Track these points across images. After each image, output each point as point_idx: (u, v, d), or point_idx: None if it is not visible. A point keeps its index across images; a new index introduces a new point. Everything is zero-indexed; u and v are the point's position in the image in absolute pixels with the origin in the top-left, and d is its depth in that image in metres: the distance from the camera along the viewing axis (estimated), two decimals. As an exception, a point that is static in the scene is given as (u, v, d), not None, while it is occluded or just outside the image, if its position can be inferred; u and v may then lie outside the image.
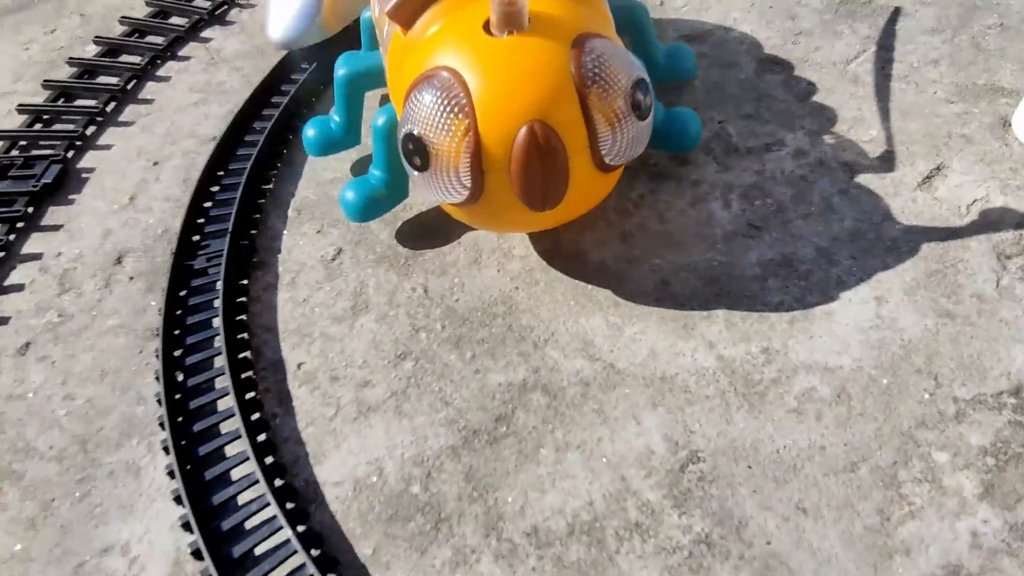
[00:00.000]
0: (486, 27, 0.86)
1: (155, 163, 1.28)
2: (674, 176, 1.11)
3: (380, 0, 0.98)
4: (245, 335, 1.01)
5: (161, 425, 0.92)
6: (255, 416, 0.92)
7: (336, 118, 1.14)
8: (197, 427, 0.91)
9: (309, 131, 1.15)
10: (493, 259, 1.05)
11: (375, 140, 1.02)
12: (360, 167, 1.21)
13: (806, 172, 1.10)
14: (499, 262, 1.05)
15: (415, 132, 0.84)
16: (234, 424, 0.91)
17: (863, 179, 1.08)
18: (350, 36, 1.30)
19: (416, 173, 0.86)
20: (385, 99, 1.26)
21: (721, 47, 1.30)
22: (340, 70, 1.10)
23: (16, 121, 1.39)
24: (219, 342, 0.99)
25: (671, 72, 1.18)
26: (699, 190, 1.10)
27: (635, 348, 0.94)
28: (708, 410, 0.87)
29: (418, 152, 0.84)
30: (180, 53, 1.50)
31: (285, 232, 1.14)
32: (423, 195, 1.09)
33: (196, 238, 1.13)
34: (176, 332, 1.01)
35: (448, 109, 0.82)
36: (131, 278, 1.11)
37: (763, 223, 1.05)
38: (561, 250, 1.05)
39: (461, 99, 0.82)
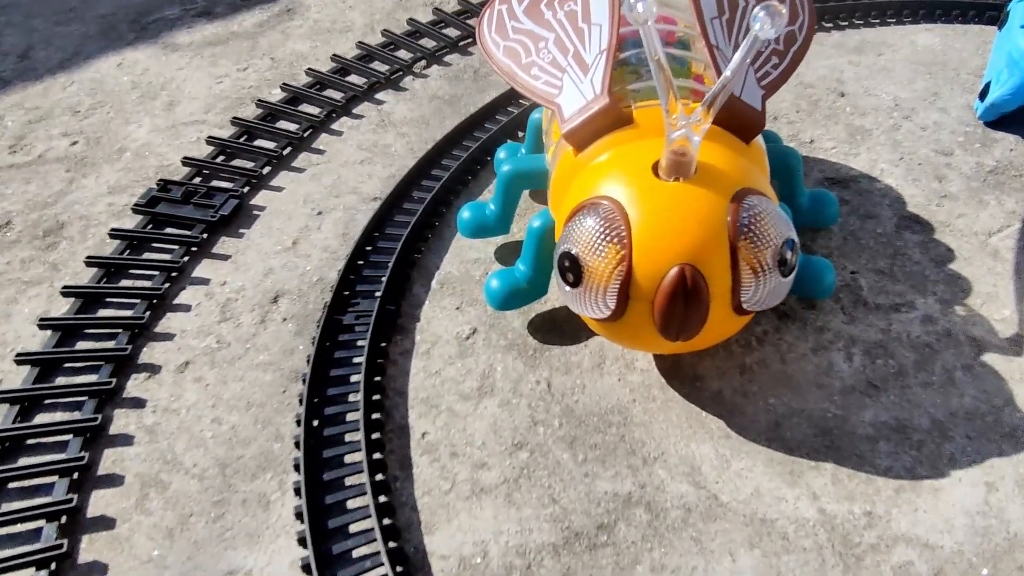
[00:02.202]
0: (654, 168, 0.94)
1: (319, 212, 1.40)
2: (800, 319, 1.16)
3: (553, 112, 1.07)
4: (379, 396, 1.10)
5: (296, 468, 1.01)
6: (379, 476, 1.00)
7: (492, 207, 1.23)
8: (327, 476, 1.00)
9: (464, 213, 1.25)
10: (616, 367, 1.12)
11: (527, 240, 1.11)
12: (502, 252, 1.30)
13: (932, 340, 1.12)
14: (621, 372, 1.11)
15: (573, 252, 0.91)
16: (359, 479, 1.00)
17: (989, 358, 1.09)
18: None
19: (567, 288, 0.94)
20: (537, 196, 1.35)
21: (864, 196, 1.35)
22: (505, 167, 1.19)
23: (203, 150, 1.55)
24: (356, 397, 1.08)
25: (813, 218, 1.23)
26: (823, 337, 1.13)
27: (740, 484, 0.98)
28: (803, 562, 0.91)
29: (572, 271, 0.92)
30: (355, 111, 1.64)
31: (427, 303, 1.23)
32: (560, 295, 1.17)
33: (346, 293, 1.23)
34: (319, 381, 1.11)
35: (608, 238, 0.90)
36: (284, 319, 1.22)
37: (882, 384, 1.07)
38: (680, 372, 1.11)
39: (622, 231, 0.89)
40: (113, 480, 1.04)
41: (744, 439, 1.03)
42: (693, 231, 0.89)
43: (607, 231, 0.90)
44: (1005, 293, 1.17)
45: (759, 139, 1.05)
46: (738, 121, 0.99)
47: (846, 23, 1.78)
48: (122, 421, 1.10)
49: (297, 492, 0.99)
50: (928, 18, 1.77)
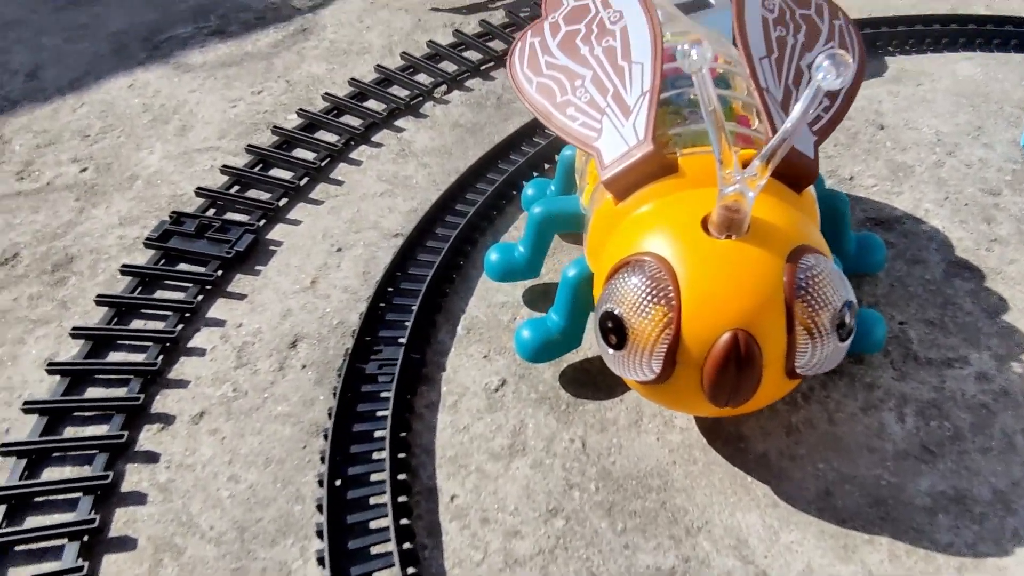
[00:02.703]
0: (704, 223, 0.88)
1: (338, 249, 1.35)
2: (847, 374, 1.10)
3: (588, 155, 1.01)
4: (404, 454, 1.04)
5: (319, 534, 0.96)
6: (407, 545, 0.95)
7: (521, 248, 1.18)
8: (352, 544, 0.95)
9: (492, 255, 1.19)
10: (654, 425, 1.06)
11: (562, 289, 1.05)
12: (531, 296, 1.24)
13: (989, 400, 1.06)
14: (659, 430, 1.05)
15: (616, 312, 0.85)
16: (386, 547, 0.94)
17: (1051, 421, 1.04)
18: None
19: (610, 351, 0.88)
20: (570, 238, 1.29)
21: (909, 239, 1.29)
22: (536, 209, 1.14)
23: (217, 179, 1.50)
24: (381, 455, 1.03)
25: (859, 264, 1.17)
26: (872, 395, 1.08)
27: (791, 559, 0.92)
28: (862, 650, 0.85)
29: (616, 332, 0.86)
30: (374, 138, 1.58)
31: (452, 350, 1.18)
32: (593, 343, 1.11)
33: (367, 338, 1.18)
34: (341, 437, 1.05)
35: (655, 299, 0.84)
36: (303, 366, 1.16)
37: (938, 448, 1.02)
38: (723, 431, 1.05)
39: (670, 292, 0.83)
40: (125, 543, 0.98)
41: (793, 508, 0.97)
42: (747, 294, 0.83)
43: (654, 291, 0.84)
44: (1064, 349, 1.12)
45: (810, 187, 0.99)
46: (791, 170, 0.93)
47: (882, 51, 1.72)
48: (135, 477, 1.05)
49: (320, 562, 0.93)
50: (967, 46, 1.71)
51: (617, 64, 1.02)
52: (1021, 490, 0.97)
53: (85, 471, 1.05)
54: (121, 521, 1.00)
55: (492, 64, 1.76)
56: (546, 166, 1.47)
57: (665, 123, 1.01)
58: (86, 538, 0.97)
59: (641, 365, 0.87)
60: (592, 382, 1.11)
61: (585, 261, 1.03)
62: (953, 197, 1.36)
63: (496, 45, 1.82)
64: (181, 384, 1.15)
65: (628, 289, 0.85)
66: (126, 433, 1.07)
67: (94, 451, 1.06)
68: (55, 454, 1.07)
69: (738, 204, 0.84)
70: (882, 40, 1.72)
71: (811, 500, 0.98)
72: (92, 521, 0.98)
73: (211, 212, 1.43)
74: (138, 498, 1.02)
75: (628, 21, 1.04)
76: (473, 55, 1.78)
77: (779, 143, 0.81)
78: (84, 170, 1.56)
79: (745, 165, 0.84)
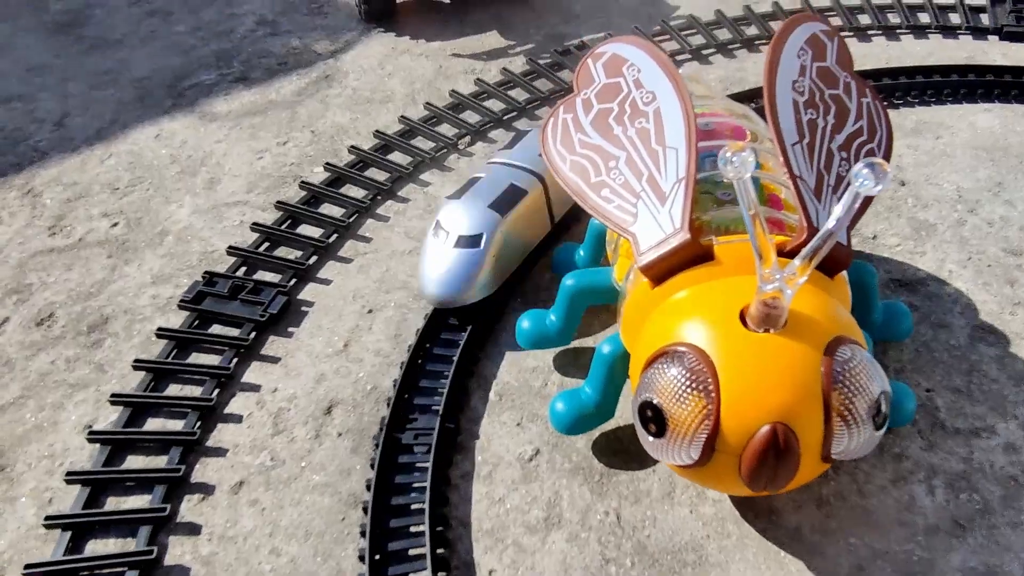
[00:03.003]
0: (741, 316, 0.90)
1: (369, 311, 1.37)
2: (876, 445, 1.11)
3: (624, 236, 1.02)
4: (441, 527, 1.06)
5: (361, 613, 0.97)
6: (448, 623, 0.96)
7: (553, 318, 1.20)
8: (394, 624, 0.96)
9: (524, 323, 1.21)
10: (687, 496, 1.08)
11: (596, 365, 1.07)
12: (561, 362, 1.26)
13: (1017, 472, 1.08)
14: (692, 502, 1.07)
15: (655, 402, 0.87)
16: (427, 627, 0.96)
17: (1079, 495, 1.05)
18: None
19: (649, 439, 0.90)
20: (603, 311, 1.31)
21: (933, 302, 1.30)
22: (569, 281, 1.16)
23: (247, 235, 1.52)
24: (419, 528, 1.05)
25: (886, 333, 1.19)
26: (902, 467, 1.09)
27: (826, 639, 0.94)
28: None
29: (656, 421, 0.88)
30: (400, 192, 1.60)
31: (485, 417, 1.19)
32: (625, 412, 1.13)
33: (401, 405, 1.19)
34: (379, 510, 1.07)
35: (694, 391, 0.86)
36: (339, 434, 1.18)
37: (968, 523, 1.03)
38: (755, 504, 1.06)
39: (709, 385, 0.85)
40: (171, 619, 1.00)
41: (827, 585, 0.99)
42: (786, 387, 0.85)
43: (693, 383, 0.86)
44: (1090, 419, 1.13)
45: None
46: (827, 259, 0.95)
47: (900, 102, 1.74)
48: (177, 550, 1.06)
49: (364, 642, 0.95)
50: (985, 97, 1.73)
51: (651, 147, 1.04)
52: (1052, 567, 0.99)
53: (129, 544, 1.06)
54: (166, 596, 1.02)
55: (515, 114, 1.78)
56: (572, 227, 1.48)
57: (699, 206, 1.03)
58: (133, 614, 0.99)
59: (680, 452, 0.89)
60: (625, 451, 1.13)
61: (619, 338, 1.05)
62: (976, 258, 1.38)
63: (517, 94, 1.84)
64: (220, 452, 1.17)
65: (667, 380, 0.87)
66: (168, 506, 1.09)
67: (137, 524, 1.08)
68: (97, 527, 1.08)
69: (777, 301, 0.86)
70: (900, 91, 1.74)
71: (844, 577, 0.99)
72: (139, 598, 1.00)
73: (243, 271, 1.45)
74: (182, 572, 1.04)
75: (661, 103, 1.06)
76: (495, 104, 1.81)
77: (820, 243, 0.83)
78: (115, 225, 1.59)
79: (780, 252, 0.86)
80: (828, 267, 0.97)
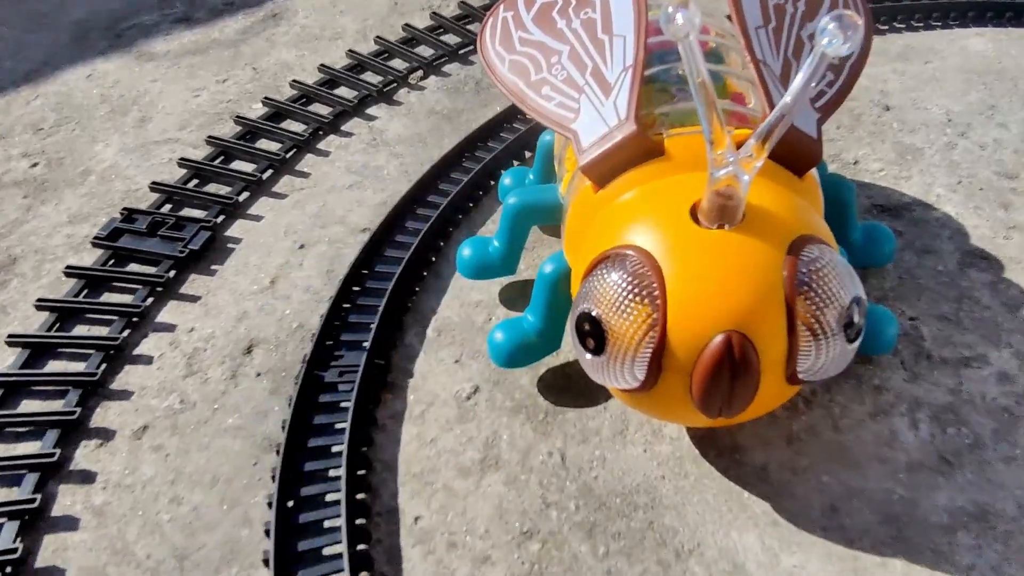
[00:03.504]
0: (693, 212, 0.77)
1: (301, 246, 1.25)
2: (853, 376, 1.00)
3: (566, 138, 0.90)
4: (364, 470, 0.94)
5: (265, 562, 0.86)
6: (364, 574, 0.84)
7: (496, 243, 1.08)
8: (302, 573, 0.84)
9: (465, 251, 1.09)
10: (641, 435, 0.96)
11: (537, 287, 0.95)
12: (509, 293, 1.14)
13: (1011, 403, 0.96)
14: (647, 440, 0.95)
15: (593, 313, 0.75)
16: (340, 578, 0.84)
17: (1081, 426, 0.93)
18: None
19: (587, 356, 0.78)
20: (548, 228, 1.19)
21: (920, 227, 1.18)
22: (511, 199, 1.03)
23: (175, 173, 1.40)
24: (338, 472, 0.93)
25: (866, 257, 1.06)
26: (882, 399, 0.97)
27: (793, 587, 0.82)
28: None
29: (593, 335, 0.76)
30: (343, 127, 1.48)
31: (421, 354, 1.07)
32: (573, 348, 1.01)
33: (329, 343, 1.07)
34: (295, 452, 0.95)
35: (637, 297, 0.73)
36: (258, 374, 1.06)
37: (956, 458, 0.91)
38: (717, 442, 0.95)
39: (654, 289, 0.73)
40: (52, 575, 0.88)
41: (795, 527, 0.87)
42: (742, 291, 0.73)
43: (636, 289, 0.73)
44: (1093, 345, 1.01)
45: (813, 170, 0.89)
46: (791, 152, 0.82)
47: (887, 27, 1.61)
48: (67, 500, 0.95)
49: (265, 595, 0.83)
50: (978, 21, 1.60)
51: (597, 38, 0.92)
52: (1051, 505, 0.87)
53: (12, 494, 0.95)
54: (49, 549, 0.90)
55: (471, 48, 1.66)
56: (526, 154, 1.36)
57: (651, 102, 0.91)
58: (8, 569, 0.87)
59: (623, 372, 0.77)
60: (573, 387, 1.01)
61: (564, 256, 0.93)
62: (967, 181, 1.25)
63: (476, 27, 1.72)
64: (124, 395, 1.05)
65: (607, 286, 0.75)
66: (59, 451, 0.97)
67: (23, 471, 0.96)
68: (-19, 475, 0.97)
69: (731, 189, 0.73)
70: (886, 15, 1.62)
71: (815, 518, 0.87)
72: (15, 551, 0.88)
73: (167, 208, 1.33)
74: (69, 523, 0.92)
75: None
76: (451, 38, 1.68)
77: (777, 119, 0.71)
78: (35, 165, 1.46)
79: (740, 146, 0.73)
80: (795, 163, 0.84)
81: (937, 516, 0.87)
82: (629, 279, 0.74)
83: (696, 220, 0.77)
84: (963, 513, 0.87)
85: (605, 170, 0.85)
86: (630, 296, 0.73)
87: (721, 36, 1.00)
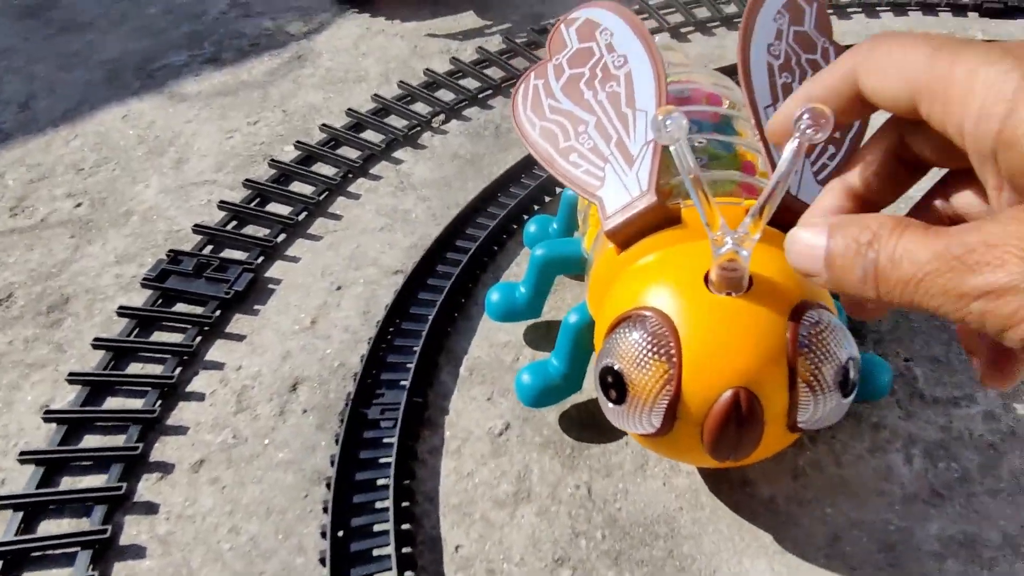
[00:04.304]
0: (705, 279, 0.86)
1: (338, 288, 1.34)
2: (853, 415, 1.09)
3: (590, 200, 0.99)
4: (407, 503, 1.03)
5: (322, 589, 0.94)
6: (411, 599, 0.93)
7: (523, 289, 1.17)
8: (355, 600, 0.93)
9: (493, 296, 1.18)
10: (660, 469, 1.05)
11: (563, 335, 1.04)
12: (533, 336, 1.23)
13: (996, 440, 1.06)
14: (665, 474, 1.04)
15: (616, 367, 0.83)
16: (390, 603, 0.93)
17: (1059, 462, 1.03)
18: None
19: (610, 405, 0.86)
20: (568, 275, 1.28)
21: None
22: (539, 251, 1.12)
23: (214, 214, 1.48)
24: (384, 503, 1.02)
25: (860, 390, 1.03)
26: (879, 436, 1.07)
27: (801, 610, 0.91)
28: None
29: (616, 387, 0.84)
30: (372, 171, 1.57)
31: (455, 392, 1.16)
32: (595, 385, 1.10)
33: (368, 381, 1.16)
34: (343, 485, 1.04)
35: (655, 355, 0.81)
36: (304, 411, 1.15)
37: (946, 491, 1.01)
38: (729, 475, 1.04)
39: (671, 348, 0.82)
40: (125, 600, 0.97)
41: (801, 557, 0.96)
42: (749, 352, 0.81)
43: (654, 347, 0.82)
44: (1070, 386, 1.11)
45: None
46: (794, 220, 0.92)
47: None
48: (133, 530, 1.03)
49: (324, 619, 0.92)
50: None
51: (621, 111, 1.01)
52: (1031, 535, 0.96)
53: (83, 524, 1.03)
54: (121, 575, 0.99)
55: (490, 92, 1.75)
56: (547, 199, 1.46)
57: (670, 172, 1.00)
58: (85, 595, 0.96)
59: (641, 420, 0.85)
60: (596, 424, 1.10)
61: (587, 307, 1.02)
62: (955, 228, 1.35)
63: (493, 72, 1.81)
64: (180, 431, 1.14)
65: (629, 344, 0.83)
66: (124, 484, 1.06)
67: (92, 503, 1.04)
68: (51, 507, 1.05)
69: (734, 264, 0.80)
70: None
71: (820, 546, 0.97)
72: (91, 578, 0.96)
73: (208, 249, 1.41)
74: (137, 551, 1.01)
75: (632, 66, 1.03)
76: (470, 83, 1.78)
77: (766, 198, 0.73)
78: (79, 205, 1.55)
79: (746, 213, 0.82)
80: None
81: (929, 544, 0.96)
82: (649, 338, 0.81)
83: (708, 286, 0.84)
84: (953, 542, 0.96)
85: (627, 235, 0.93)
86: (649, 353, 0.81)
87: (733, 107, 1.09)
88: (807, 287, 0.88)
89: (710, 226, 0.79)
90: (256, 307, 1.31)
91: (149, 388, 1.18)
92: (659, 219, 0.93)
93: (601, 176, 0.98)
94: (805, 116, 0.71)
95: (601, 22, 1.12)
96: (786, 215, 0.86)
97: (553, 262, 1.13)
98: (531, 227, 1.31)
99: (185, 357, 1.23)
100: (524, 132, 1.06)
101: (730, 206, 0.83)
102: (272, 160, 1.57)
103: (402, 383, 1.15)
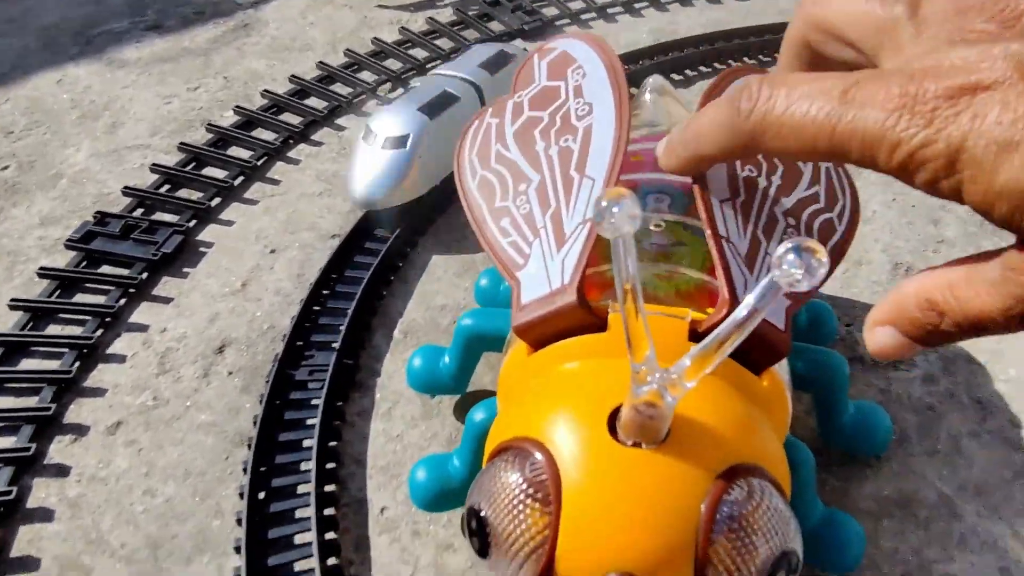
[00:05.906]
0: (612, 420, 0.59)
1: (272, 251, 1.29)
2: (794, 377, 1.07)
3: (508, 281, 0.73)
4: (333, 464, 0.99)
5: (237, 550, 0.90)
6: (331, 560, 0.89)
7: (447, 359, 1.00)
8: (272, 560, 0.89)
9: (416, 360, 1.02)
10: (595, 431, 1.02)
11: (466, 434, 0.85)
12: (471, 299, 1.19)
13: (934, 402, 1.05)
14: (601, 436, 1.01)
15: (482, 513, 0.59)
16: (309, 564, 0.88)
17: (996, 424, 1.02)
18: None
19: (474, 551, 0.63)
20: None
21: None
22: (466, 320, 0.95)
23: (147, 178, 1.43)
24: (308, 466, 0.97)
25: (855, 444, 0.97)
26: (818, 398, 1.05)
27: (733, 569, 0.88)
28: (805, 663, 0.81)
29: (479, 535, 0.59)
30: (313, 137, 1.53)
31: (388, 355, 1.13)
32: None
33: (299, 343, 1.12)
34: (266, 446, 1.00)
35: (528, 509, 0.57)
36: (230, 372, 1.10)
37: (884, 452, 0.99)
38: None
39: (548, 503, 0.57)
40: (28, 564, 0.91)
41: (736, 515, 0.93)
42: (646, 527, 0.55)
43: (530, 500, 0.57)
44: (1011, 351, 1.10)
45: (776, 366, 0.70)
46: (751, 344, 0.56)
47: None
48: (42, 493, 0.98)
49: (238, 581, 0.87)
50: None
51: (568, 174, 0.76)
52: (966, 494, 0.95)
53: (-13, 487, 0.97)
54: (25, 540, 0.93)
55: (439, 62, 1.72)
56: (490, 165, 1.42)
57: (607, 259, 0.69)
58: (-16, 559, 0.90)
59: None
60: (532, 387, 1.07)
61: (495, 402, 0.79)
62: (900, 199, 1.35)
63: (443, 43, 1.78)
64: (98, 393, 1.09)
65: (499, 487, 0.58)
66: (34, 446, 1.00)
67: (-2, 465, 0.99)
68: (-45, 469, 0.99)
69: (652, 410, 0.55)
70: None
71: (755, 507, 0.94)
72: (-9, 541, 0.91)
73: (139, 212, 1.36)
74: (44, 515, 0.95)
75: (595, 119, 0.79)
76: (419, 52, 1.74)
77: (714, 342, 0.51)
78: (5, 168, 1.48)
79: (695, 333, 0.62)
80: (754, 359, 0.66)
81: (865, 503, 0.94)
82: (525, 487, 0.57)
83: (613, 431, 0.58)
84: (888, 502, 0.94)
85: (539, 335, 0.68)
86: (522, 506, 0.57)
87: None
88: (747, 443, 0.59)
89: (633, 354, 0.53)
90: (185, 270, 1.26)
91: (67, 349, 1.12)
92: (576, 324, 0.66)
93: (527, 254, 0.72)
94: (790, 256, 0.44)
95: (577, 58, 0.87)
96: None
97: (479, 338, 0.93)
98: (483, 281, 1.10)
99: (107, 319, 1.17)
100: (462, 178, 0.81)
101: (672, 319, 0.65)
102: (210, 124, 1.52)
103: (333, 345, 1.10)
